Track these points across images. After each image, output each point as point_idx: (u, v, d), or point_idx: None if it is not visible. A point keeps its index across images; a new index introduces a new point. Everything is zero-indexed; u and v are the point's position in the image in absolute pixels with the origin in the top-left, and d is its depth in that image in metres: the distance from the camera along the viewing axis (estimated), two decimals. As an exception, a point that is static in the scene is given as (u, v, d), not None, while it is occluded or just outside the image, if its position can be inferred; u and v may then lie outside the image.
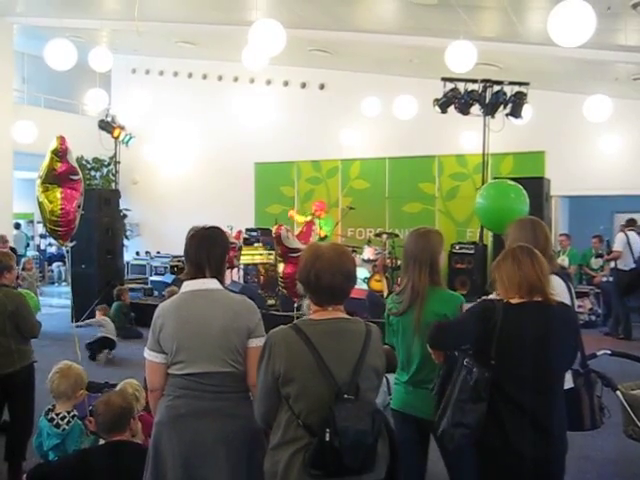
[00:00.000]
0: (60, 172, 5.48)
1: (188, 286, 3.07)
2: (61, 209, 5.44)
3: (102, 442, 3.55)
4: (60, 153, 5.42)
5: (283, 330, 2.66)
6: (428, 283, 3.45)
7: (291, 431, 2.58)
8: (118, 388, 4.35)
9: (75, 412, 4.00)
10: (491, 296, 3.28)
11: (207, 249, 3.08)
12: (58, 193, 5.45)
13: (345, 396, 2.51)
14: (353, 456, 2.46)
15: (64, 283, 18.15)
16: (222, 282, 3.12)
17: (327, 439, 2.43)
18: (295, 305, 8.62)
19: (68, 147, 5.44)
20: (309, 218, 13.03)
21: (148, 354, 3.03)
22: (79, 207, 5.64)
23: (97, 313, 9.73)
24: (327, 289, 2.67)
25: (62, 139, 5.45)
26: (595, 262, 12.64)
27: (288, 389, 2.58)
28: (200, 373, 2.92)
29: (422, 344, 3.35)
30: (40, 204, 5.61)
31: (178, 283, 11.76)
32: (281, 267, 8.38)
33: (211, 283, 3.05)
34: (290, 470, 2.54)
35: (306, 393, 2.56)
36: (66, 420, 3.90)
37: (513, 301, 2.98)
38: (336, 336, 2.63)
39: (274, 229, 8.34)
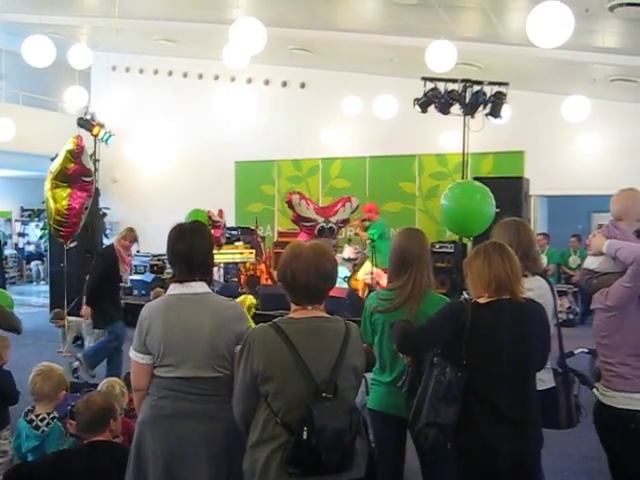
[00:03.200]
0: (72, 172, 5.41)
1: (176, 289, 3.03)
2: (67, 209, 5.37)
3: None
4: (75, 153, 5.34)
5: (262, 328, 2.66)
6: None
7: (269, 429, 2.58)
8: (103, 387, 4.31)
9: (55, 414, 3.96)
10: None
11: (193, 241, 3.03)
12: (66, 193, 5.37)
13: (323, 394, 2.52)
14: (331, 454, 2.47)
15: (42, 282, 18.01)
16: (210, 283, 3.09)
17: (304, 437, 2.43)
18: None
19: (84, 148, 5.35)
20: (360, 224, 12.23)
21: (134, 355, 3.02)
22: (86, 209, 5.56)
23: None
24: (302, 288, 2.68)
25: (79, 139, 5.37)
26: (573, 261, 12.78)
27: (267, 387, 2.58)
28: (187, 377, 2.92)
29: None
30: (46, 200, 5.53)
31: (160, 283, 11.72)
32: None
33: (199, 287, 3.01)
34: (269, 468, 2.55)
35: (284, 391, 2.56)
36: (45, 422, 3.86)
37: (481, 300, 2.99)
38: (315, 335, 2.64)
39: (286, 194, 8.30)
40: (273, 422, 2.57)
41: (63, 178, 5.39)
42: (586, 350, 4.41)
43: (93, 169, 5.55)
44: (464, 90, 9.66)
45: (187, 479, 2.89)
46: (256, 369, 2.58)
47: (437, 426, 2.88)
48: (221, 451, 2.91)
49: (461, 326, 2.91)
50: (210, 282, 3.11)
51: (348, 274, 12.24)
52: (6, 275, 15.00)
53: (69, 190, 5.41)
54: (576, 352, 4.26)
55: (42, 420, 3.86)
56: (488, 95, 9.63)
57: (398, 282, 3.48)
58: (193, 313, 2.95)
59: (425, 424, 2.90)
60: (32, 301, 14.89)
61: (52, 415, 3.92)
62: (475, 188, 6.02)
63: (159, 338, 2.94)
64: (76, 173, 5.40)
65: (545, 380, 3.45)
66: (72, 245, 5.95)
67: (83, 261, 11.91)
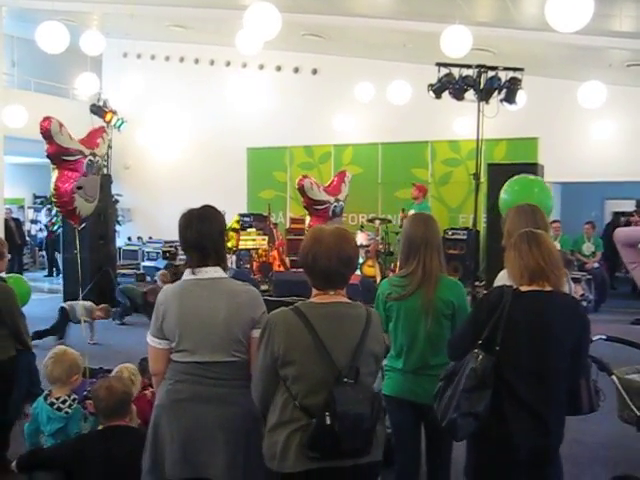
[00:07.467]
0: (49, 153, 5.44)
1: (190, 275, 3.01)
2: (55, 190, 5.43)
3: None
4: (44, 135, 5.37)
5: (283, 312, 2.66)
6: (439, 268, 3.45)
7: (288, 412, 2.59)
8: (115, 373, 4.32)
9: (75, 396, 3.97)
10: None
11: (202, 228, 3.00)
12: (54, 174, 5.45)
13: (345, 380, 2.52)
14: (351, 440, 2.48)
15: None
16: (225, 268, 3.06)
17: (328, 422, 2.43)
18: None
19: (50, 128, 5.32)
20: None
21: (151, 340, 3.02)
22: (79, 188, 5.54)
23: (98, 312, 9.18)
24: (322, 273, 2.67)
25: (44, 120, 5.36)
26: (587, 248, 12.69)
27: (287, 370, 2.58)
28: (203, 362, 2.91)
29: (428, 329, 3.36)
30: None
31: (170, 268, 11.75)
32: (307, 220, 8.42)
33: (214, 272, 2.99)
34: (288, 450, 2.56)
35: (305, 375, 2.56)
36: (67, 403, 3.85)
37: (523, 288, 2.93)
38: (336, 320, 2.64)
39: (297, 180, 8.32)
40: (292, 405, 2.58)
41: (51, 160, 5.48)
42: (604, 337, 4.38)
43: (80, 147, 5.52)
44: (479, 76, 9.56)
45: (204, 462, 2.89)
46: (277, 352, 2.58)
47: (472, 415, 2.82)
48: (238, 435, 2.90)
49: (500, 312, 2.83)
50: (225, 267, 3.08)
51: (360, 261, 12.25)
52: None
53: (57, 171, 5.47)
54: (594, 339, 4.22)
55: (64, 402, 3.86)
56: (503, 81, 9.53)
57: (408, 268, 3.48)
58: (208, 298, 2.94)
59: (460, 415, 2.83)
60: (45, 287, 14.97)
61: (73, 397, 3.93)
62: (534, 182, 6.07)
63: (175, 323, 2.94)
64: (54, 153, 5.43)
65: None
66: (81, 227, 5.98)
67: (96, 247, 11.98)
